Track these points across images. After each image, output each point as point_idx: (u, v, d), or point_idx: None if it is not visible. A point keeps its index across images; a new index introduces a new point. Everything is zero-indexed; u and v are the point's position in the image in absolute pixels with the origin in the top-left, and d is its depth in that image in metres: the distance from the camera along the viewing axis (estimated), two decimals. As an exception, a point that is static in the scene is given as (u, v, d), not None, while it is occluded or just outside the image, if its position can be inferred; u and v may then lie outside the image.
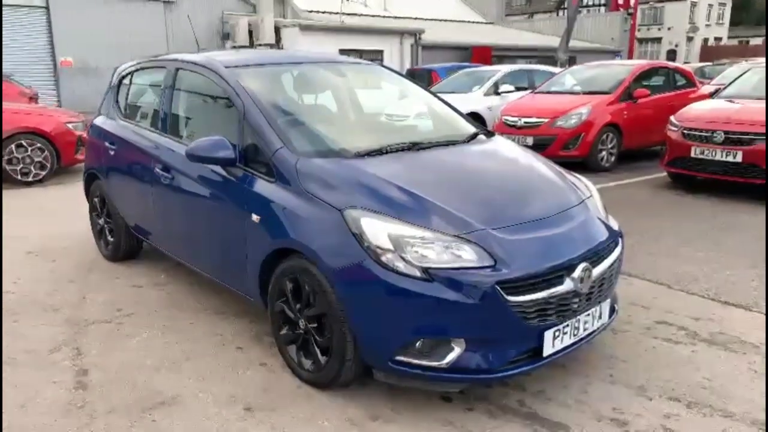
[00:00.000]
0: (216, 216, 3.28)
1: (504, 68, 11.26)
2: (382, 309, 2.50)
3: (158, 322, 3.62)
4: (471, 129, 3.71)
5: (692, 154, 6.72)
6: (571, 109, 8.21)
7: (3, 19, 20.67)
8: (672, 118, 7.12)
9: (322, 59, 3.98)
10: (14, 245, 5.14)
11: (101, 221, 4.73)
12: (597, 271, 2.76)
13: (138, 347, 3.32)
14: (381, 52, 20.91)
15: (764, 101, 6.52)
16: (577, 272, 2.62)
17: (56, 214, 6.28)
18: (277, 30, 20.35)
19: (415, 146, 3.20)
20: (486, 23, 30.03)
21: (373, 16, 26.57)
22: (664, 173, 7.58)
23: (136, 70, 4.38)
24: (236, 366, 3.10)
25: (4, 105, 8.85)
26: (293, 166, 2.86)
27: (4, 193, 7.52)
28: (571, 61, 15.95)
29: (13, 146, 7.96)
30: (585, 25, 29.11)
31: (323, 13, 25.74)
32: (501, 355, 2.55)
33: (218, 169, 3.18)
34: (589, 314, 2.77)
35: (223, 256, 3.36)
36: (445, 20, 27.80)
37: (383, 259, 2.46)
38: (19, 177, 7.95)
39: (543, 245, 2.64)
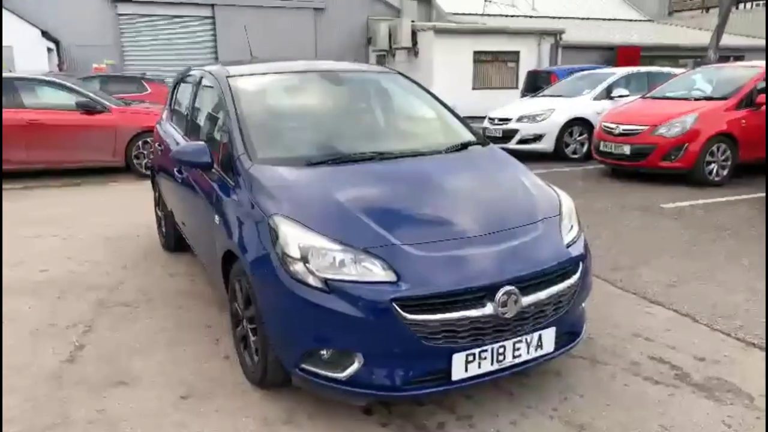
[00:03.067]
0: (200, 215, 3.54)
1: (621, 70, 10.45)
2: (287, 316, 2.57)
3: (167, 310, 3.98)
4: (463, 139, 3.60)
5: (806, 170, 5.79)
6: (675, 117, 7.44)
7: (174, 29, 23.44)
8: (788, 127, 6.19)
9: (331, 68, 4.08)
10: (101, 231, 5.91)
11: (159, 213, 5.27)
12: (532, 297, 2.57)
13: (137, 330, 3.69)
14: (517, 53, 20.33)
15: None
16: (498, 296, 2.47)
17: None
18: (414, 33, 20.68)
19: (378, 157, 3.20)
20: (643, 21, 27.87)
21: (519, 16, 25.94)
22: (783, 190, 6.61)
23: (182, 78, 4.82)
24: (203, 356, 3.33)
25: (140, 106, 10.12)
26: (247, 172, 3.02)
27: (125, 185, 8.60)
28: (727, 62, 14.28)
29: (140, 143, 9.07)
30: (758, 18, 25.80)
31: (467, 15, 25.68)
32: (402, 374, 2.48)
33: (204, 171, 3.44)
34: (521, 341, 2.60)
35: (206, 253, 3.62)
36: (597, 19, 26.26)
37: (291, 267, 2.52)
38: (143, 170, 9.03)
39: (460, 264, 2.53)
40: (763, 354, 3.21)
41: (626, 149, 7.70)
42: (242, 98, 3.47)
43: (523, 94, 13.32)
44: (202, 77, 4.15)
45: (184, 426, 2.68)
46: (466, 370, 2.51)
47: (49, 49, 20.18)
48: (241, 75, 3.75)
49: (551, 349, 2.72)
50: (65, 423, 2.71)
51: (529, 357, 2.65)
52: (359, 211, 2.68)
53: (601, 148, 8.11)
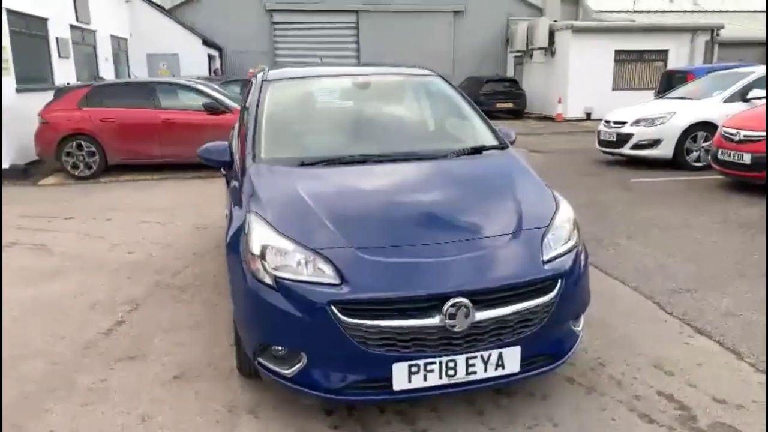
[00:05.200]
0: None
1: (762, 69, 9.18)
2: (244, 309, 2.68)
3: (207, 296, 4.29)
4: (478, 144, 3.48)
5: None
6: (810, 122, 6.43)
7: (321, 34, 24.74)
8: None
9: (367, 72, 4.12)
10: (195, 220, 6.48)
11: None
12: (489, 312, 2.43)
13: (173, 311, 4.02)
14: (665, 52, 18.68)
15: None
16: (446, 307, 2.37)
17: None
18: (552, 33, 19.89)
19: (374, 159, 3.20)
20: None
21: (675, 11, 23.92)
22: None
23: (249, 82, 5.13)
24: (214, 341, 3.55)
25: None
26: (247, 170, 3.18)
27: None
28: None
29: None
30: None
31: (617, 12, 24.18)
32: (342, 378, 2.47)
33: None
34: (475, 358, 2.46)
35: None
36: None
37: (251, 264, 2.62)
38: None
39: (410, 272, 2.46)
40: (801, 404, 2.72)
41: (746, 158, 6.79)
42: (267, 101, 3.64)
43: (657, 95, 12.25)
44: (253, 81, 4.40)
45: (159, 402, 2.90)
46: (410, 381, 2.43)
47: (210, 56, 22.31)
48: (277, 79, 3.93)
49: (516, 370, 2.53)
50: (68, 387, 3.05)
51: (487, 375, 2.50)
52: (324, 213, 2.70)
53: (719, 156, 7.23)
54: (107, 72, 15.43)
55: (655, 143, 8.80)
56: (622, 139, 9.10)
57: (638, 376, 3.00)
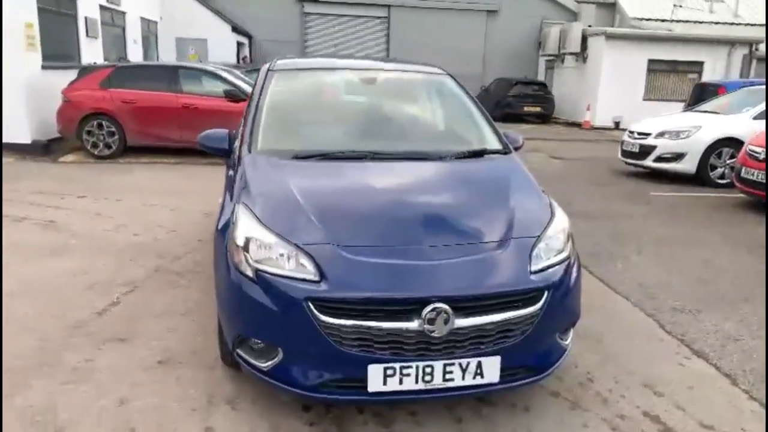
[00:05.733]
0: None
1: (796, 87, 8.92)
2: (226, 300, 2.66)
3: (205, 283, 4.26)
4: (481, 147, 3.42)
5: None
6: (838, 144, 6.21)
7: (352, 27, 24.72)
8: None
9: (375, 67, 4.08)
10: (205, 207, 6.50)
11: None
12: (469, 320, 2.37)
13: (168, 297, 4.03)
14: (700, 64, 18.26)
15: None
16: (425, 312, 2.32)
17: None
18: (584, 38, 19.60)
19: (371, 156, 3.15)
20: None
21: (715, 23, 23.35)
22: None
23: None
24: (204, 329, 3.54)
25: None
26: (242, 160, 3.16)
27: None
28: None
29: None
30: None
31: (654, 20, 23.70)
32: (317, 376, 2.44)
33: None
34: (453, 365, 2.41)
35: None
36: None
37: (234, 254, 2.60)
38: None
39: (391, 274, 2.41)
40: (793, 437, 2.61)
41: (769, 178, 6.60)
42: (269, 91, 3.62)
43: (686, 108, 11.97)
44: (261, 70, 4.38)
45: (140, 386, 2.90)
46: (385, 383, 2.39)
47: (240, 43, 22.41)
48: (282, 69, 3.91)
49: (495, 380, 2.48)
50: (54, 365, 3.07)
51: (465, 383, 2.44)
52: (311, 209, 2.66)
53: (743, 174, 7.02)
54: (135, 54, 15.59)
55: (678, 157, 8.60)
56: (645, 150, 8.90)
57: (626, 395, 2.92)
